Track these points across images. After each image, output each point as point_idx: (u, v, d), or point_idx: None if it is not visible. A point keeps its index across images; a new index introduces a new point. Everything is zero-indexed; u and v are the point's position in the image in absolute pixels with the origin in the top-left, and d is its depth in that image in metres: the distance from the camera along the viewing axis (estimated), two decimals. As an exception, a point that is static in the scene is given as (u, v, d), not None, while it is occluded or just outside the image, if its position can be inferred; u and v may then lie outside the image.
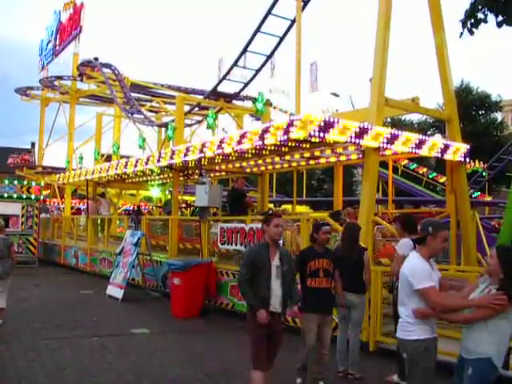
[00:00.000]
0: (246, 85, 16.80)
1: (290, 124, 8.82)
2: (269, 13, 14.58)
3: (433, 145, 10.40)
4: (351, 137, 8.99)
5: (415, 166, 23.99)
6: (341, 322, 6.97)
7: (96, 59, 24.60)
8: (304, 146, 11.04)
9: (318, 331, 5.98)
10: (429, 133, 33.04)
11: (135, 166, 14.90)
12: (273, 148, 11.33)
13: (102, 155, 24.82)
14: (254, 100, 15.78)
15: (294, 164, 14.06)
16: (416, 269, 4.14)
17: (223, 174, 16.85)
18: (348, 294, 6.60)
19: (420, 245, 4.27)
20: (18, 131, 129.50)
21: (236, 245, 10.57)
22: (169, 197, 17.98)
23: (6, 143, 79.13)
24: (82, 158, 22.25)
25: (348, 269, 6.61)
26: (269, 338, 5.16)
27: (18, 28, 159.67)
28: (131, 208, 25.58)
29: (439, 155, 10.58)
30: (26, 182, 21.59)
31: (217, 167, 14.91)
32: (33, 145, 51.74)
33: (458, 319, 4.11)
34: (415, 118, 37.54)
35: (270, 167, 14.81)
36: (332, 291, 6.17)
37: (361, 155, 11.32)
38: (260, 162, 13.67)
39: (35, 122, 34.25)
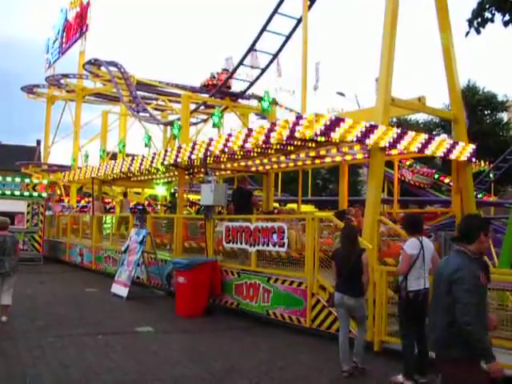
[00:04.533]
0: (251, 83, 16.80)
1: (296, 123, 8.81)
2: (275, 12, 14.56)
3: (439, 144, 10.37)
4: (357, 136, 8.97)
5: (417, 165, 23.81)
6: (341, 321, 6.95)
7: (96, 60, 24.68)
8: (309, 145, 11.02)
9: None
10: (435, 133, 32.98)
11: (141, 164, 14.92)
12: (278, 147, 11.32)
13: (108, 153, 24.88)
14: (260, 99, 15.78)
15: (300, 163, 14.05)
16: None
17: (228, 172, 16.84)
18: (346, 297, 6.59)
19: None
20: (23, 129, 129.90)
21: (241, 244, 10.55)
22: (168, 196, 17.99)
23: (11, 141, 79.46)
24: (87, 156, 22.36)
25: (347, 271, 6.60)
26: None
27: (21, 26, 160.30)
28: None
29: (445, 155, 10.55)
30: (35, 180, 21.67)
31: (222, 166, 14.90)
32: (38, 143, 52.04)
33: None
34: (421, 117, 37.53)
35: (275, 166, 14.81)
36: None
37: (366, 154, 11.30)
38: (265, 160, 13.66)
39: (40, 119, 34.46)
